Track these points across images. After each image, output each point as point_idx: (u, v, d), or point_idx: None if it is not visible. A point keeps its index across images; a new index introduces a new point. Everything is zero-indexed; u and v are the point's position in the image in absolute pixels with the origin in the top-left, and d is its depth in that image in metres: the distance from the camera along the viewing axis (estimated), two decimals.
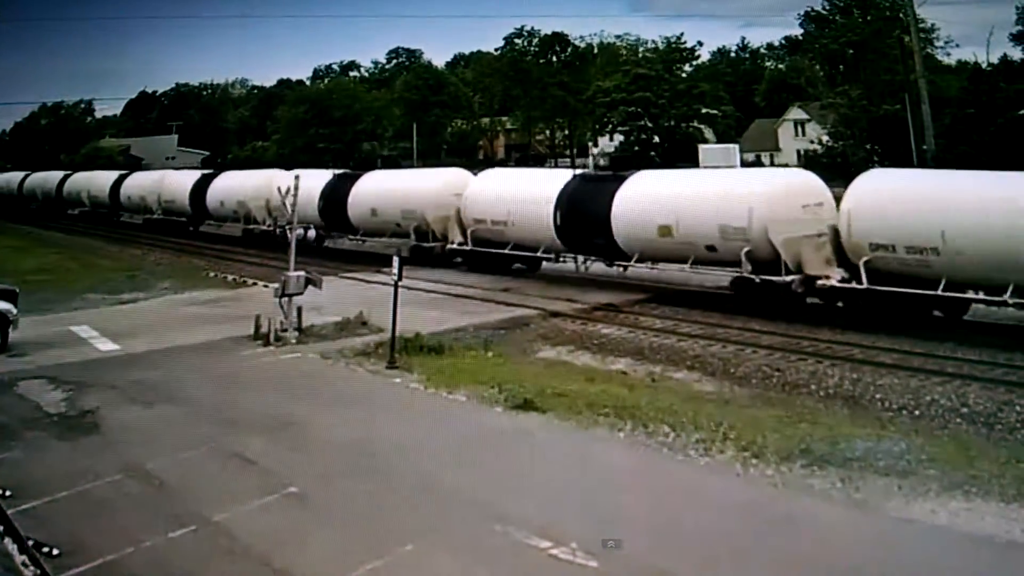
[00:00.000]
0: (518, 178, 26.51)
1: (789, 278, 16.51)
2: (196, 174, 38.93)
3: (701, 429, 10.23)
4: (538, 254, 21.96)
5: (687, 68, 66.08)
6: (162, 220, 38.75)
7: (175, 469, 9.45)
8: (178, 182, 38.46)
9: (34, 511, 8.42)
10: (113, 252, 33.79)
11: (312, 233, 29.23)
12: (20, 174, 57.53)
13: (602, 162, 61.07)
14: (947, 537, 7.51)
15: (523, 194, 22.56)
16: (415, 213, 25.18)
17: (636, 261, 19.71)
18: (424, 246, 24.77)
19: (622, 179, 20.40)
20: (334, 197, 28.03)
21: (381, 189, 27.45)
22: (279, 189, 19.31)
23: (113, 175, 45.52)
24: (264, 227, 31.03)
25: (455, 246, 24.08)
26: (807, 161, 46.13)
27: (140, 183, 42.06)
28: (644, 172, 21.60)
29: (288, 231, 17.39)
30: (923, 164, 27.57)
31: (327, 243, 30.08)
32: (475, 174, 25.91)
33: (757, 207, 17.06)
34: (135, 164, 63.45)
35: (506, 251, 22.58)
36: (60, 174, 51.78)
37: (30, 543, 7.57)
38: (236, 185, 34.21)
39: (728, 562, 7.14)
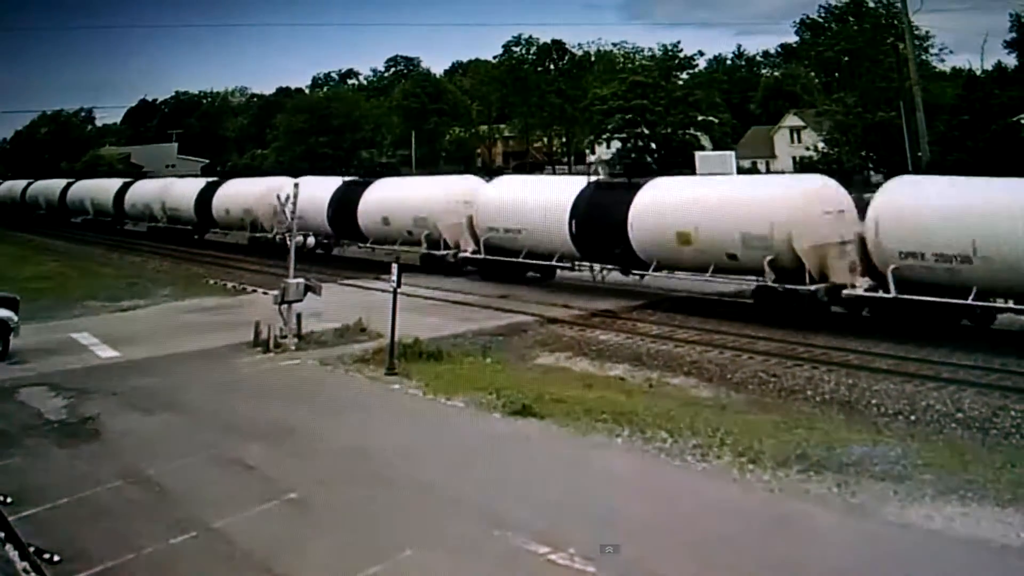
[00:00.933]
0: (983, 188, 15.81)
1: None
2: (335, 181, 30.22)
3: (698, 435, 10.29)
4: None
5: (684, 76, 66.39)
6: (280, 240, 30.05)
7: (175, 475, 9.49)
8: (310, 193, 29.28)
9: (35, 517, 8.47)
10: (113, 259, 33.86)
11: (311, 240, 29.01)
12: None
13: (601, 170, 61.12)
14: (943, 541, 7.57)
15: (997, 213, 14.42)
16: (766, 241, 16.79)
17: None
18: (799, 290, 16.42)
19: None
20: (595, 215, 20.38)
21: (691, 202, 18.69)
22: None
23: (199, 183, 38.40)
24: (468, 252, 23.48)
25: (860, 291, 15.97)
26: (805, 167, 46.31)
27: (237, 191, 34.28)
28: None
29: (288, 238, 17.46)
30: (917, 171, 27.72)
31: (598, 277, 21.41)
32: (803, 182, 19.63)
33: None
34: (135, 172, 63.28)
35: (969, 302, 14.60)
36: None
37: (31, 549, 7.62)
38: (407, 196, 26.63)
39: (725, 567, 7.19)
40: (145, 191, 41.34)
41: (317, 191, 29.29)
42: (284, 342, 15.82)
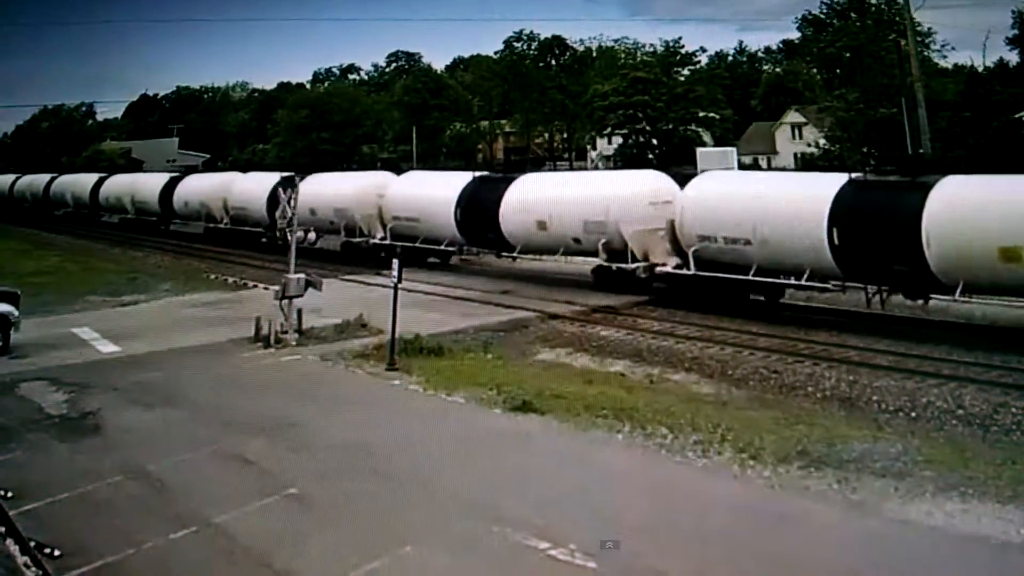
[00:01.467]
0: None
1: None
2: (461, 177, 24.95)
3: (699, 431, 10.30)
4: None
5: (685, 72, 66.33)
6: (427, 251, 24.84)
7: (176, 470, 9.50)
8: (427, 193, 25.04)
9: (36, 512, 8.48)
10: (114, 254, 33.86)
11: (312, 236, 28.73)
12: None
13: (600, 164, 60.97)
14: (943, 538, 7.57)
15: None
16: None
17: None
18: None
19: None
20: (868, 221, 15.67)
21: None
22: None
23: (270, 178, 30.78)
24: (670, 267, 18.78)
25: None
26: (804, 164, 46.27)
27: (327, 188, 28.16)
28: None
29: (288, 233, 17.45)
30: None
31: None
32: None
33: None
34: (136, 166, 62.99)
35: None
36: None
37: (32, 544, 7.63)
38: (573, 195, 21.28)
39: (725, 563, 7.19)
40: (199, 188, 36.23)
41: (438, 190, 24.33)
42: (285, 337, 15.82)
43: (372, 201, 26.59)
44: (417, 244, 24.65)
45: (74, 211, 46.61)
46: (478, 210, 23.03)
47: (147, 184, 40.33)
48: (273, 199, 28.73)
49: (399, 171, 30.71)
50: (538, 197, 21.90)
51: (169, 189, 37.55)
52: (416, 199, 25.24)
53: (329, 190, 28.01)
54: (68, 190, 47.32)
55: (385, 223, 25.95)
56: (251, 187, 32.71)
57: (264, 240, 31.28)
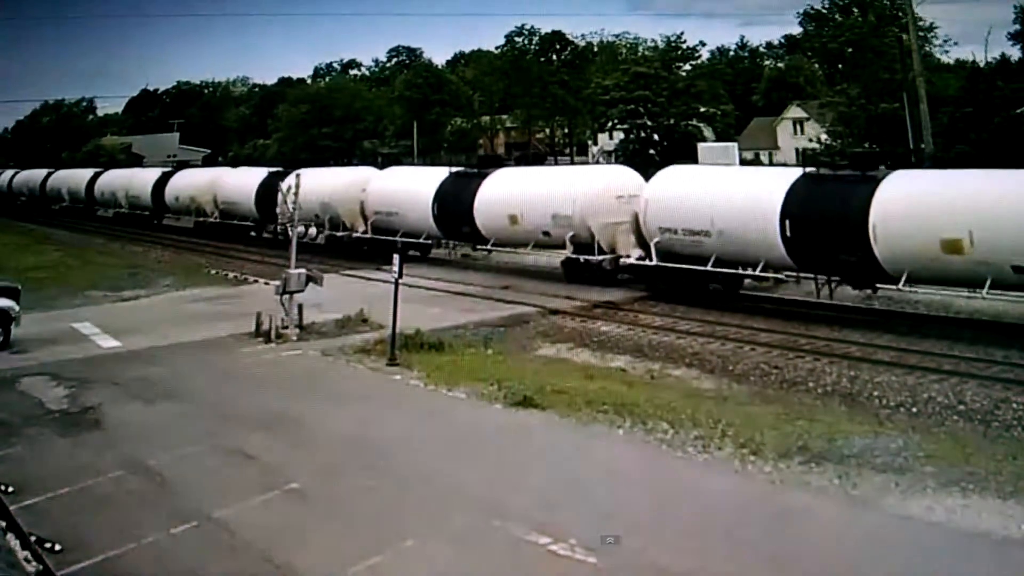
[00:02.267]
0: None
1: None
2: (780, 173, 18.92)
3: (700, 426, 10.30)
4: None
5: (686, 67, 66.19)
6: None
7: (176, 465, 9.50)
8: (737, 201, 17.52)
9: (36, 507, 8.49)
10: (115, 249, 33.85)
11: (313, 231, 28.70)
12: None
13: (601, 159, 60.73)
14: (944, 533, 7.57)
15: None
16: None
17: None
18: None
19: None
20: None
21: None
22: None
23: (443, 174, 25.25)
24: None
25: None
26: (806, 159, 46.15)
27: (530, 187, 22.43)
28: None
29: (289, 229, 17.43)
30: (921, 163, 27.60)
31: None
32: None
33: None
34: (138, 162, 62.71)
35: None
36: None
37: (32, 539, 7.65)
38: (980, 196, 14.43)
39: (726, 558, 7.18)
40: (317, 186, 25.69)
41: (750, 189, 17.80)
42: (285, 332, 15.82)
43: (611, 206, 20.09)
44: (707, 267, 17.89)
45: (128, 213, 40.46)
46: (824, 222, 16.09)
47: (236, 182, 32.97)
48: (436, 203, 24.17)
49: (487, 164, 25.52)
50: (943, 199, 14.61)
51: (268, 188, 29.57)
52: (707, 205, 17.84)
53: (539, 191, 21.71)
54: (120, 189, 40.76)
55: (649, 237, 18.96)
56: (403, 186, 25.91)
57: (415, 253, 25.06)
